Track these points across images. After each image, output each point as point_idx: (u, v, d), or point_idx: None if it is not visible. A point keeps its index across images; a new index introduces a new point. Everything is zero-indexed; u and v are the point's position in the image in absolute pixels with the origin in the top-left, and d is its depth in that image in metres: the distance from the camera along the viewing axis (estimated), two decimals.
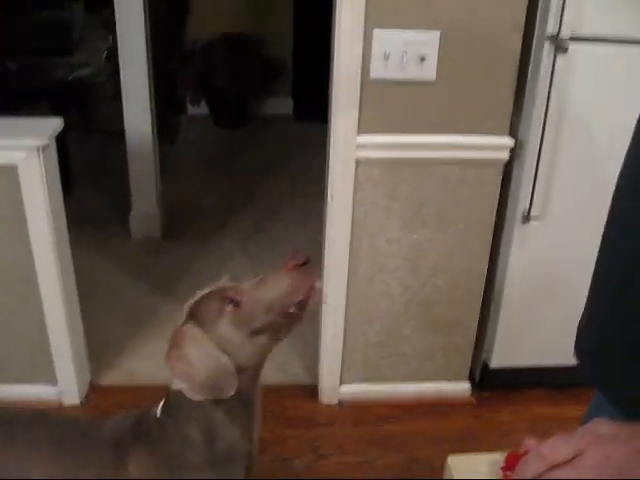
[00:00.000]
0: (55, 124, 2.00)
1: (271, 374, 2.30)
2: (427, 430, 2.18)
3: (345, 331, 2.16)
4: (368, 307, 2.14)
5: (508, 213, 2.07)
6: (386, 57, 1.81)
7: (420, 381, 2.29)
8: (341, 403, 2.28)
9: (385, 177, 1.95)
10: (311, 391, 2.31)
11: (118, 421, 1.28)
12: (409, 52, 1.82)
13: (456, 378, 2.31)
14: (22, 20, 5.34)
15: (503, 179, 2.00)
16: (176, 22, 4.49)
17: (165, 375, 1.16)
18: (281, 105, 4.71)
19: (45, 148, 1.93)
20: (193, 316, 1.13)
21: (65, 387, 2.22)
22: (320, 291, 1.13)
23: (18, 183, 1.93)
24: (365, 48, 1.80)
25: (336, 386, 2.26)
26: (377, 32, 1.79)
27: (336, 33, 1.80)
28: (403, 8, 1.78)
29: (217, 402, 1.15)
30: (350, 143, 1.89)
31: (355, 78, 1.82)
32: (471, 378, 2.33)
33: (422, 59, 1.82)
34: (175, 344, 1.12)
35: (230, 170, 4.06)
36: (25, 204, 1.95)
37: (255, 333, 1.12)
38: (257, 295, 1.11)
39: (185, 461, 1.18)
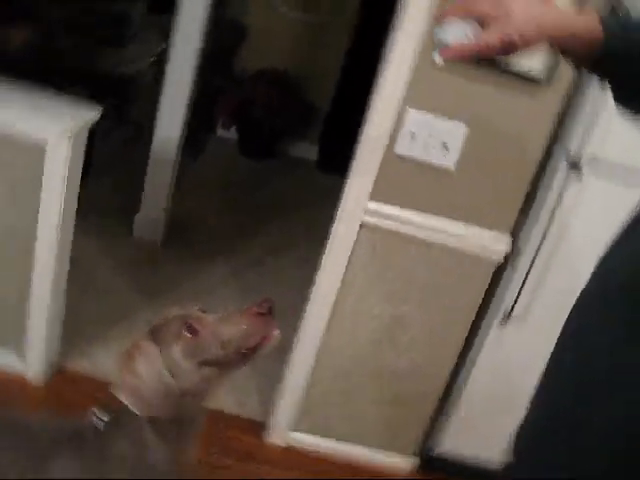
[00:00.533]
0: (92, 114, 2.09)
1: (227, 404, 2.38)
2: None
3: (310, 382, 2.22)
4: (338, 365, 2.20)
5: (490, 308, 2.14)
6: (413, 136, 1.91)
7: (370, 447, 2.33)
8: (287, 448, 2.32)
9: (384, 246, 2.03)
10: (260, 428, 2.35)
11: (53, 425, 1.31)
12: (435, 137, 1.92)
13: (405, 452, 2.35)
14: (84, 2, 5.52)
15: (493, 276, 2.08)
16: (230, 46, 4.64)
17: None
18: (307, 150, 4.82)
19: (77, 136, 2.02)
20: (153, 334, 1.19)
21: (32, 363, 2.27)
22: (277, 338, 1.19)
23: (42, 163, 2.01)
24: (396, 124, 1.90)
25: (286, 430, 2.31)
26: (411, 111, 1.89)
27: (374, 101, 1.90)
28: (439, 95, 1.88)
29: (155, 421, 1.19)
30: (360, 206, 1.98)
31: (379, 148, 1.92)
32: (419, 456, 2.38)
33: (445, 146, 1.92)
34: (130, 356, 1.18)
35: (244, 199, 4.15)
36: (43, 184, 2.03)
37: (205, 364, 1.17)
38: (215, 330, 1.17)
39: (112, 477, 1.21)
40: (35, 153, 2.00)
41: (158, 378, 1.15)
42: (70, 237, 2.22)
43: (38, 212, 2.07)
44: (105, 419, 1.24)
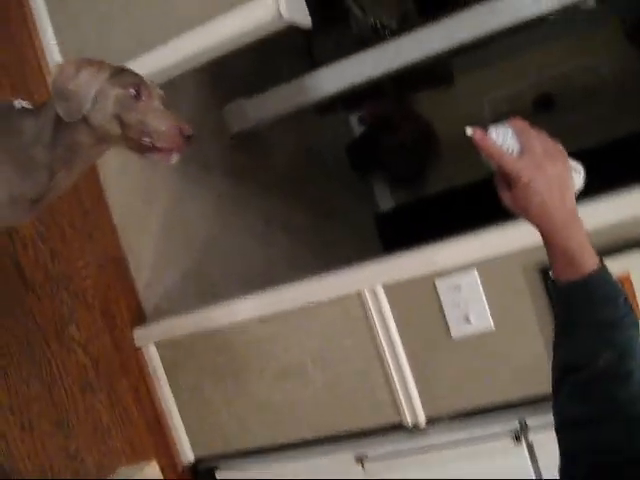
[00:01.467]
0: None
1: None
2: None
3: None
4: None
5: None
6: (455, 289, 1.99)
7: None
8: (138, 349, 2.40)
9: (355, 323, 2.12)
10: (140, 316, 2.44)
11: None
12: (468, 306, 2.00)
13: None
14: None
15: None
16: (430, 76, 4.71)
17: None
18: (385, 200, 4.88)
19: None
20: (117, 69, 1.32)
21: None
22: (170, 162, 1.33)
23: None
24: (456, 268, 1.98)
25: (149, 340, 2.39)
26: (473, 273, 1.97)
27: None
28: None
29: (58, 127, 1.32)
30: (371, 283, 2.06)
31: None
32: None
33: (466, 319, 2.01)
34: (89, 58, 1.33)
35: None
36: None
37: (117, 119, 1.29)
38: (148, 110, 1.29)
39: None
40: None
41: (88, 86, 1.28)
42: None
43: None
44: (25, 106, 1.38)
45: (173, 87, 2.06)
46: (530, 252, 1.85)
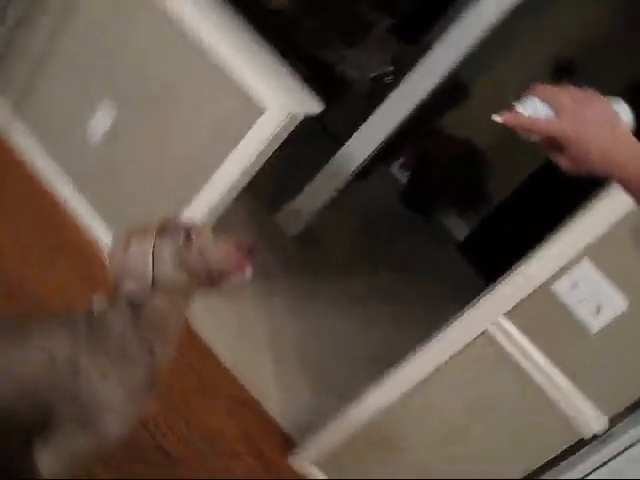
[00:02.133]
0: (314, 107, 2.25)
1: (275, 408, 2.46)
2: None
3: (356, 436, 2.25)
4: (386, 436, 2.23)
5: (557, 468, 2.10)
6: (575, 285, 1.91)
7: None
8: (297, 474, 2.37)
9: (490, 360, 2.05)
10: (289, 444, 2.42)
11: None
12: (594, 296, 1.91)
13: None
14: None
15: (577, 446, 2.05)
16: (444, 101, 4.73)
17: None
18: (459, 227, 4.83)
19: (292, 118, 2.16)
20: (161, 225, 1.35)
21: None
22: (246, 280, 1.33)
23: (254, 122, 2.18)
24: (567, 264, 1.91)
25: (309, 461, 2.35)
26: (585, 263, 1.89)
27: (548, 242, 1.93)
28: (619, 261, 1.88)
29: (133, 305, 1.34)
30: (490, 315, 2.00)
31: (540, 278, 1.93)
32: None
33: (599, 309, 1.92)
34: (131, 229, 1.35)
35: (378, 243, 4.21)
36: (244, 138, 2.20)
37: (181, 267, 1.31)
38: (205, 245, 1.31)
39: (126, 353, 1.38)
40: (253, 112, 2.16)
41: (141, 257, 1.31)
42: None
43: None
44: (101, 305, 1.40)
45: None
46: (629, 212, 1.78)
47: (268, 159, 2.29)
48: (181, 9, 2.23)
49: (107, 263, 1.36)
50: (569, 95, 1.00)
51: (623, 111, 1.03)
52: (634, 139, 1.00)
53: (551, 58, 4.27)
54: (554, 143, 1.00)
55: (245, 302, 2.84)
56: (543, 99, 1.01)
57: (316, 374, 2.81)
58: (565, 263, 1.90)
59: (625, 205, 1.80)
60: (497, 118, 1.02)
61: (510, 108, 1.02)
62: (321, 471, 2.34)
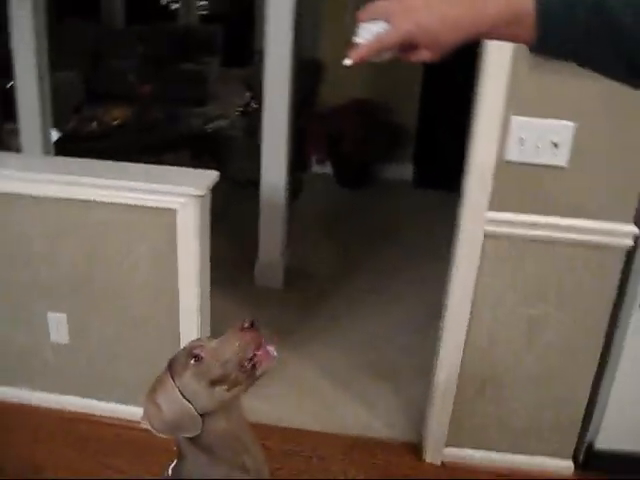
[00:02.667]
0: (212, 176, 2.24)
1: (377, 429, 2.45)
2: None
3: (456, 395, 2.26)
4: (481, 375, 2.23)
5: (627, 299, 2.12)
6: (521, 142, 1.94)
7: (525, 453, 2.33)
8: (444, 464, 2.36)
9: (511, 252, 2.06)
10: (414, 449, 2.41)
11: None
12: (543, 138, 1.94)
13: (560, 455, 2.34)
14: (163, 72, 5.84)
15: (626, 265, 2.07)
16: (309, 85, 4.79)
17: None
18: (402, 171, 4.89)
19: (202, 197, 2.17)
20: (169, 367, 1.36)
21: None
22: (274, 356, 1.34)
23: (175, 225, 2.17)
24: (502, 132, 1.94)
25: (441, 447, 2.34)
26: (515, 119, 1.93)
27: (476, 117, 1.95)
28: (540, 99, 1.91)
29: (198, 443, 1.37)
30: (480, 218, 2.02)
31: (490, 159, 1.96)
32: (575, 458, 2.35)
33: (555, 145, 1.94)
34: (151, 389, 1.35)
35: (349, 229, 4.25)
36: (178, 243, 2.20)
37: (214, 383, 1.31)
38: (215, 352, 1.32)
39: None
40: (168, 218, 2.16)
41: (176, 405, 1.32)
42: (208, 291, 2.36)
43: (177, 270, 2.23)
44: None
45: None
46: (512, 57, 1.82)
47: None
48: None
49: (152, 429, 1.34)
50: (387, 1, 1.00)
51: None
52: None
53: None
54: (406, 47, 0.99)
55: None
56: (371, 19, 1.01)
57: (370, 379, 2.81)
58: (499, 131, 1.94)
59: (505, 51, 1.84)
60: (347, 62, 1.01)
61: (352, 46, 1.02)
62: (459, 448, 2.35)
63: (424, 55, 0.98)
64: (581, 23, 0.90)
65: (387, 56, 1.01)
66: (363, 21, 1.01)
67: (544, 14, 0.91)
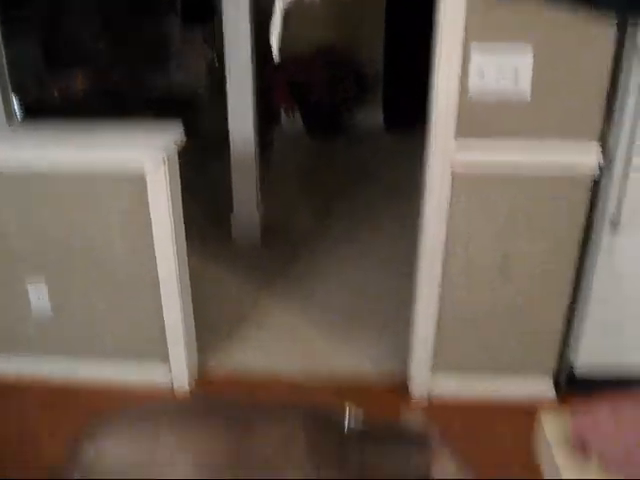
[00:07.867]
0: (177, 132, 2.24)
1: (366, 372, 2.49)
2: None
3: (436, 330, 2.32)
4: (460, 309, 2.28)
5: (596, 221, 2.16)
6: (481, 73, 1.94)
7: (506, 376, 2.41)
8: (430, 401, 2.42)
9: (479, 188, 2.10)
10: (402, 387, 2.47)
11: None
12: (503, 67, 1.95)
13: (544, 373, 2.41)
14: (123, 33, 5.72)
15: (593, 190, 2.10)
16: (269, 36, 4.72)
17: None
18: (372, 115, 4.87)
19: (170, 158, 2.16)
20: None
21: (176, 372, 2.47)
22: None
23: (146, 190, 2.18)
24: (462, 63, 1.95)
25: (427, 380, 2.41)
26: (475, 47, 1.93)
27: (437, 47, 1.95)
28: (499, 25, 1.92)
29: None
30: (447, 155, 2.04)
31: (453, 87, 1.97)
32: (557, 380, 2.42)
33: (516, 73, 1.95)
34: None
35: (323, 179, 4.25)
36: (151, 208, 2.21)
37: None
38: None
39: None
40: (137, 182, 2.15)
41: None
42: (184, 249, 2.37)
43: (152, 234, 2.24)
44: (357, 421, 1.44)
45: None
46: None
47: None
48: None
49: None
50: None
51: None
52: None
53: None
54: None
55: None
56: None
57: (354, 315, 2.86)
58: (460, 63, 1.94)
59: None
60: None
61: None
62: (446, 375, 2.41)
63: None
64: None
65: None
66: None
67: None
